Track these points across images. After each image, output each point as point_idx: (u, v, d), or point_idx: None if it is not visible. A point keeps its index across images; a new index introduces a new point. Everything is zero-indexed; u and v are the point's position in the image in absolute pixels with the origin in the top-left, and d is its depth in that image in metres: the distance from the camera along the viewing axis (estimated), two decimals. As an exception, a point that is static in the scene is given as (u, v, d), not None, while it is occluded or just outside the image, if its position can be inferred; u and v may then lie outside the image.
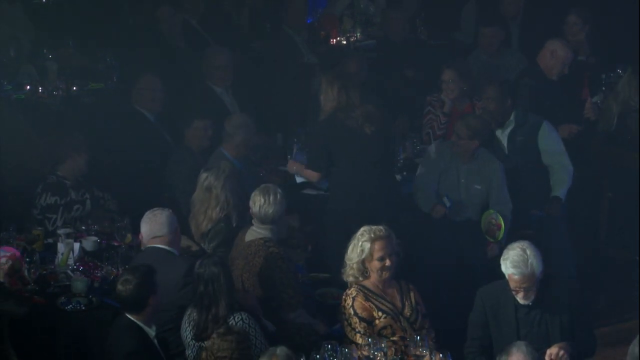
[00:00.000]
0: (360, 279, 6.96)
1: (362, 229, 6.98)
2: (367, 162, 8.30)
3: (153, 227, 7.20)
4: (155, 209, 7.32)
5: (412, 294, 7.00)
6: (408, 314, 6.91)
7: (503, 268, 6.75)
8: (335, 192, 8.43)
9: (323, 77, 8.51)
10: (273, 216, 7.33)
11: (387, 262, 6.88)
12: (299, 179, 8.81)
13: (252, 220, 7.42)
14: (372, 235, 6.90)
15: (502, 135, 9.01)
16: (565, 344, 6.67)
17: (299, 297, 7.29)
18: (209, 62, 10.07)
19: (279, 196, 7.35)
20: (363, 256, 6.91)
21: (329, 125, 8.29)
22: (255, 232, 7.39)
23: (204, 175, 7.92)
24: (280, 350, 5.99)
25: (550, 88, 9.81)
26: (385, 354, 6.50)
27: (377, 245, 6.87)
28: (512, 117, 8.99)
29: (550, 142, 8.99)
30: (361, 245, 6.91)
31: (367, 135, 8.26)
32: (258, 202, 7.33)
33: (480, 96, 9.38)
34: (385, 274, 6.91)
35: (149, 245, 7.21)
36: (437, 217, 8.62)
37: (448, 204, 8.60)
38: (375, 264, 6.90)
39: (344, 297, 6.93)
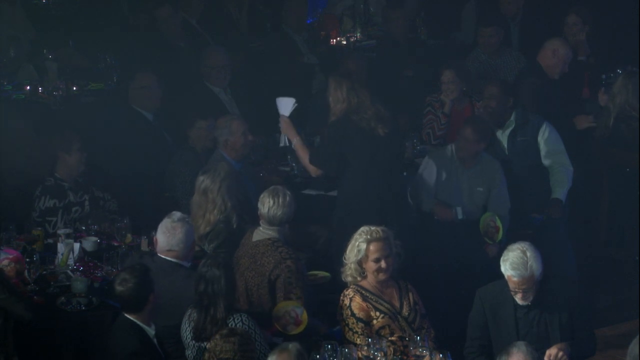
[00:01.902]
0: (359, 279, 6.94)
1: (361, 229, 6.95)
2: (381, 165, 8.17)
3: (170, 240, 7.06)
4: (175, 218, 7.12)
5: (410, 294, 6.98)
6: (406, 313, 6.89)
7: (502, 269, 6.73)
8: (348, 194, 8.26)
9: (330, 78, 8.35)
10: (281, 218, 7.31)
11: (382, 264, 6.85)
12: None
13: (260, 221, 7.40)
14: (369, 237, 6.87)
15: (503, 136, 8.99)
16: (564, 344, 6.66)
17: (304, 297, 7.26)
18: (207, 61, 10.05)
19: (288, 198, 7.31)
20: (359, 257, 6.89)
21: (342, 127, 8.13)
22: (262, 233, 7.37)
23: (200, 179, 7.83)
24: (293, 345, 6.00)
25: (551, 87, 9.81)
26: (385, 354, 6.50)
27: (372, 247, 6.85)
28: (512, 118, 8.97)
29: (551, 143, 8.97)
30: (358, 246, 6.89)
31: (380, 138, 8.14)
32: (267, 204, 7.30)
33: (480, 96, 9.37)
34: (381, 276, 6.89)
35: (161, 256, 7.10)
36: (439, 219, 8.61)
37: (460, 217, 8.59)
38: (371, 265, 6.88)
39: (341, 297, 6.91)
